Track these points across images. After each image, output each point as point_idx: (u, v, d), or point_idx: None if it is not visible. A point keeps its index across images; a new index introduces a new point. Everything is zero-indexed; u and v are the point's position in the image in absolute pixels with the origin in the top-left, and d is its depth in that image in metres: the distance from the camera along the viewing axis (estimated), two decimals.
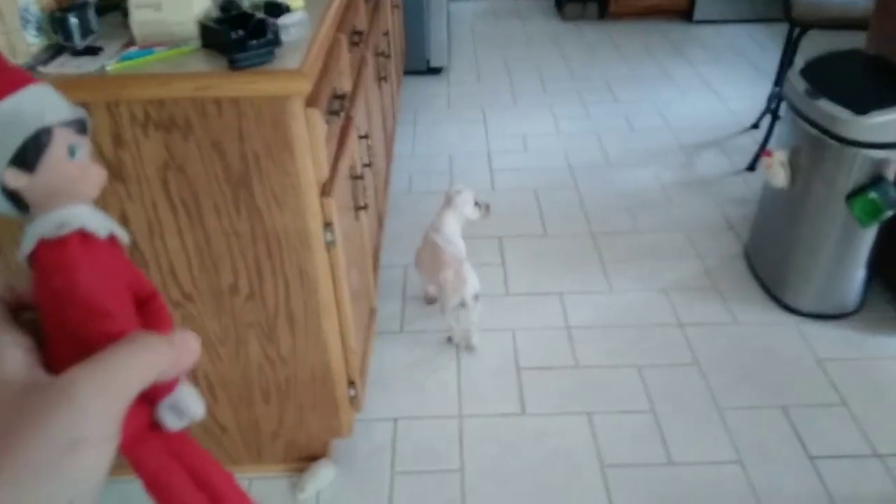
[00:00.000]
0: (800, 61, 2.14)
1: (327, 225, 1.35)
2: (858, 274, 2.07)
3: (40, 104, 0.31)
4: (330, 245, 1.36)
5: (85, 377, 0.27)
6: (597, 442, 1.76)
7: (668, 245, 2.49)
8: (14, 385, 0.27)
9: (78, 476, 0.26)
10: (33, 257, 0.31)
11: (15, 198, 0.31)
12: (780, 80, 2.96)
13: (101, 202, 1.25)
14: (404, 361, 2.02)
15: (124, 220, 1.30)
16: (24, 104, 0.31)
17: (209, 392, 1.55)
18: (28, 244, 0.31)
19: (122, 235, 0.34)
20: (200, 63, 1.20)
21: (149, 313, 0.34)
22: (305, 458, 1.70)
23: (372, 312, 1.99)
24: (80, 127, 0.33)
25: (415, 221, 2.61)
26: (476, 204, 2.21)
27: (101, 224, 0.32)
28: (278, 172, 1.26)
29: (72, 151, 0.32)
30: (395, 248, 2.45)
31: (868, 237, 1.99)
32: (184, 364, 0.32)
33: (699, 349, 2.03)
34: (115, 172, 1.24)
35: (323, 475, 1.67)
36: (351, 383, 1.65)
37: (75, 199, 0.32)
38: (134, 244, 1.32)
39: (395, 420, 1.84)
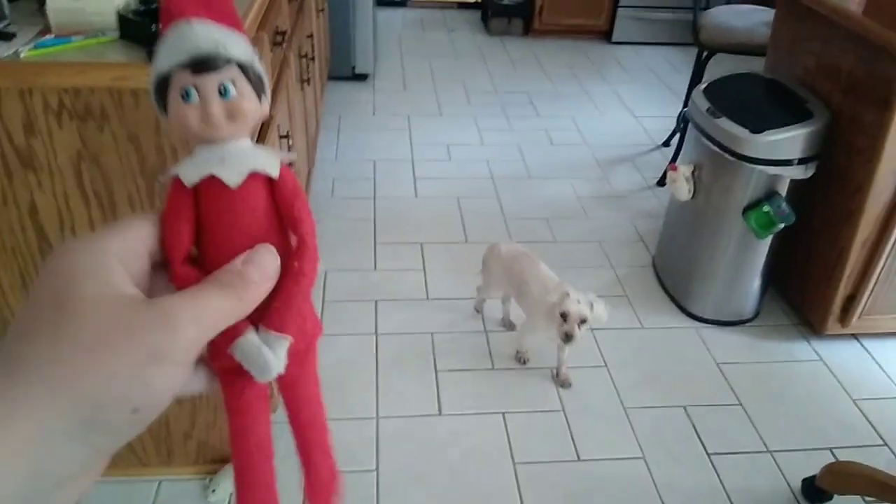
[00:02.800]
0: (704, 83, 2.28)
1: None
2: (754, 284, 2.22)
3: (163, 52, 0.33)
4: None
5: (182, 306, 0.30)
6: (510, 440, 1.81)
7: (584, 255, 2.59)
8: (125, 297, 0.29)
9: (152, 387, 0.29)
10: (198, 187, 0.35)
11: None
12: (688, 100, 3.13)
13: (11, 192, 1.21)
14: (322, 363, 2.01)
15: (34, 211, 1.26)
16: (157, 52, 0.33)
17: None
18: (191, 176, 0.34)
19: (231, 178, 0.34)
20: (118, 54, 1.19)
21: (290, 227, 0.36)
22: (218, 461, 1.68)
23: None
24: (199, 65, 0.33)
25: (336, 227, 2.63)
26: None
27: (196, 172, 0.34)
28: None
29: (186, 94, 0.33)
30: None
31: (763, 249, 2.14)
32: (254, 298, 0.33)
33: (608, 352, 2.12)
34: (26, 161, 1.21)
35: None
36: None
37: (198, 139, 0.34)
38: (43, 235, 1.28)
39: None
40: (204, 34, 0.33)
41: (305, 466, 0.39)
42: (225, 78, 0.33)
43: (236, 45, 0.34)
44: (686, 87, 3.23)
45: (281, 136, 1.75)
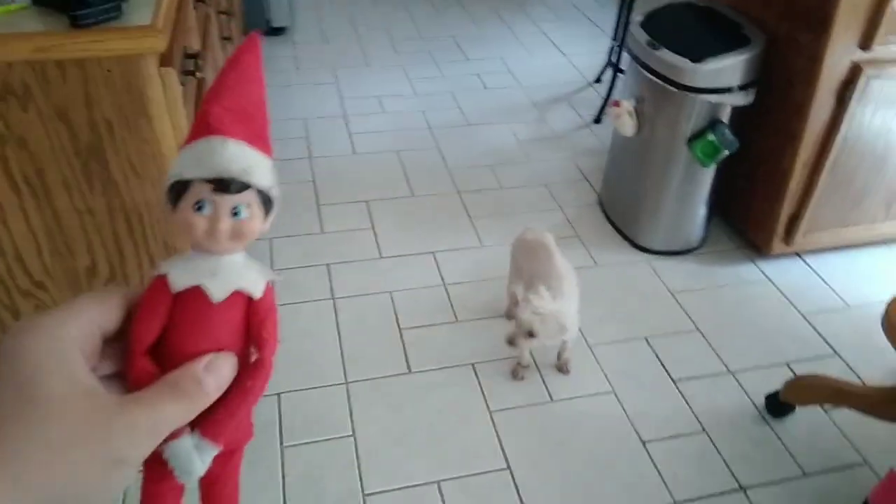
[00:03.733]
0: (638, 15, 2.26)
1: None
2: (700, 212, 2.26)
3: (190, 159, 0.34)
4: None
5: (142, 413, 0.31)
6: (483, 390, 1.81)
7: (531, 199, 2.58)
8: (90, 396, 0.30)
9: (110, 487, 0.30)
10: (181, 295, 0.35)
11: None
12: (616, 34, 3.12)
13: None
14: (283, 335, 1.95)
15: None
16: (183, 155, 0.35)
17: None
18: (178, 282, 0.35)
19: (216, 293, 0.35)
20: (35, 22, 1.06)
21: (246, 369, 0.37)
22: None
23: None
24: (221, 186, 0.34)
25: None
26: None
27: (185, 278, 0.35)
28: (135, 140, 1.15)
29: (200, 206, 0.34)
30: None
31: (707, 177, 2.18)
32: (204, 402, 0.34)
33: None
34: None
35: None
36: None
37: (197, 246, 0.35)
38: None
39: (279, 395, 1.78)
40: (236, 157, 0.34)
41: None
42: (242, 201, 0.35)
43: (262, 172, 0.35)
44: (612, 21, 3.21)
45: None
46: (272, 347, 0.37)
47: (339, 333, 1.97)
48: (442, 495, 1.57)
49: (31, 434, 0.28)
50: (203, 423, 0.35)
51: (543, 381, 1.85)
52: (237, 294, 0.35)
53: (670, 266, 2.27)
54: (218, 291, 0.35)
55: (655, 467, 1.65)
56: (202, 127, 0.35)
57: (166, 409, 0.32)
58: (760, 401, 1.80)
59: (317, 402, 1.77)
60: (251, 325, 0.36)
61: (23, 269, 1.22)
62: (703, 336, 2.01)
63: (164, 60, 1.14)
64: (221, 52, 2.18)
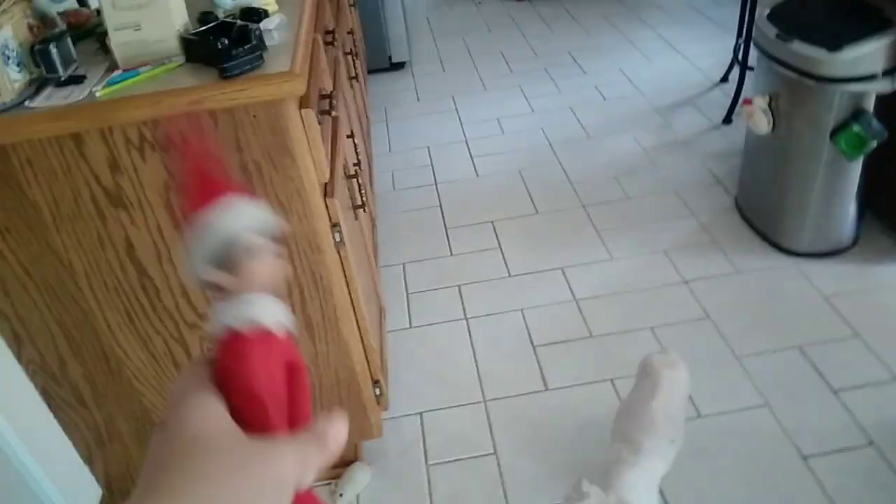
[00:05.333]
0: (765, 8, 2.16)
1: (335, 225, 1.34)
2: (850, 208, 2.10)
3: (247, 218, 0.36)
4: (339, 245, 1.35)
5: (292, 449, 0.34)
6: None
7: (661, 207, 2.50)
8: (233, 436, 0.33)
9: None
10: (222, 338, 0.36)
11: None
12: (742, 30, 2.99)
13: (106, 233, 1.22)
14: (420, 355, 2.01)
15: (130, 248, 1.27)
16: (222, 216, 0.36)
17: None
18: (218, 328, 0.36)
19: (290, 324, 0.38)
20: (189, 77, 1.18)
21: (295, 385, 0.38)
22: (339, 465, 1.69)
23: (382, 311, 1.98)
24: (268, 232, 0.37)
25: (404, 219, 2.61)
26: None
27: (278, 318, 0.37)
28: (281, 178, 1.24)
29: (255, 255, 0.36)
30: (390, 246, 2.44)
31: (855, 171, 2.02)
32: (331, 457, 0.36)
33: (707, 302, 2.05)
34: (116, 200, 1.22)
35: (359, 479, 1.66)
36: (375, 382, 1.64)
37: (259, 291, 0.37)
38: (143, 270, 1.29)
39: (421, 414, 1.83)
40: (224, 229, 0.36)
41: None
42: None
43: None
44: (734, 18, 3.08)
45: (347, 136, 1.73)
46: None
47: (474, 352, 2.00)
48: None
49: (204, 471, 0.30)
50: None
51: (690, 395, 1.78)
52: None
53: (820, 269, 2.12)
54: (286, 319, 0.38)
55: (819, 483, 1.53)
56: (220, 188, 0.37)
57: (306, 460, 0.34)
58: None
59: (457, 421, 1.80)
60: (293, 368, 0.39)
61: (189, 303, 1.35)
62: (864, 341, 1.85)
63: (303, 102, 1.23)
64: (350, 90, 2.30)
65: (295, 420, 0.37)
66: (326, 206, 1.32)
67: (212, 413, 0.33)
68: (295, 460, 0.33)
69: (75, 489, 1.54)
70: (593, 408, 1.78)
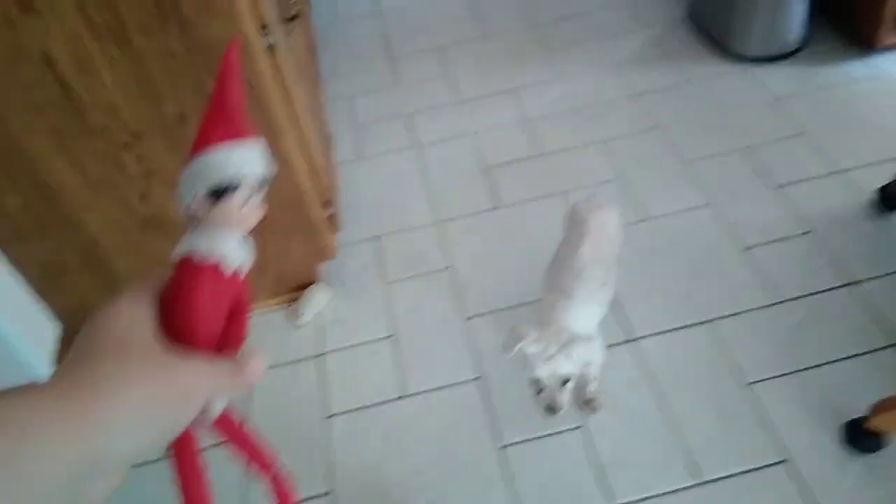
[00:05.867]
0: None
1: (264, 27, 1.26)
2: (799, 9, 2.06)
3: (247, 161, 0.39)
4: (272, 48, 1.28)
5: (200, 373, 0.36)
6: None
7: (614, 22, 2.43)
8: (154, 345, 0.35)
9: (178, 420, 0.35)
10: (180, 262, 0.38)
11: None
12: None
13: (23, 46, 1.14)
14: (374, 184, 2.00)
15: (49, 62, 1.19)
16: (234, 155, 0.38)
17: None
18: (180, 250, 0.38)
19: (247, 264, 0.40)
20: None
21: (234, 324, 0.40)
22: (297, 288, 1.71)
23: (329, 139, 1.93)
24: (262, 183, 0.39)
25: (349, 49, 2.50)
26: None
27: (236, 259, 0.39)
28: None
29: (245, 203, 0.38)
30: (336, 79, 2.36)
31: None
32: (243, 387, 0.38)
33: (659, 113, 2.05)
34: (26, 6, 1.12)
35: (319, 298, 1.69)
36: (326, 203, 1.63)
37: (229, 231, 0.39)
38: (66, 86, 1.22)
39: (378, 237, 1.84)
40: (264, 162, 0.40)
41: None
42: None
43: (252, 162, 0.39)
44: None
45: None
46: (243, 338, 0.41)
47: (426, 177, 1.99)
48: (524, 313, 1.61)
49: (127, 371, 0.33)
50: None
51: (637, 200, 1.81)
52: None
53: (770, 72, 2.11)
54: (247, 259, 0.40)
55: (760, 271, 1.61)
56: (236, 129, 0.39)
57: (224, 376, 0.37)
58: (874, 197, 1.69)
59: (413, 243, 1.82)
60: (238, 304, 0.40)
61: (119, 120, 1.28)
62: (809, 139, 1.88)
63: None
64: None
65: (223, 355, 0.39)
66: (255, 7, 1.24)
67: (140, 321, 0.35)
68: (207, 378, 0.36)
69: (32, 326, 1.54)
70: (545, 220, 1.80)
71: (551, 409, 1.18)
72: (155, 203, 1.44)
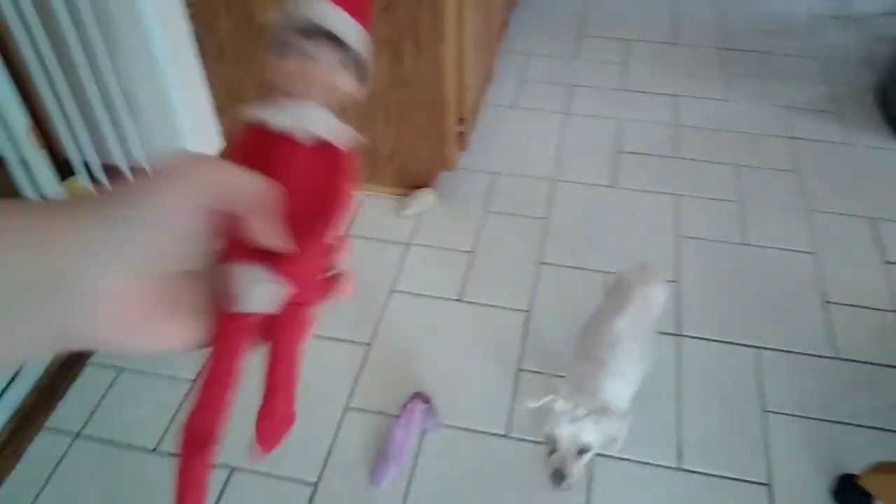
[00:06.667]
0: None
1: None
2: None
3: (349, 27, 0.35)
4: None
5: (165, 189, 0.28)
6: (676, 217, 1.88)
7: (799, 69, 2.43)
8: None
9: (162, 216, 0.27)
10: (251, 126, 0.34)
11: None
12: None
13: None
14: (513, 130, 2.18)
15: None
16: (340, 14, 0.35)
17: (352, 106, 1.77)
18: (255, 114, 0.34)
19: (338, 138, 0.35)
20: None
21: (321, 205, 0.34)
22: (413, 186, 1.93)
23: (488, 75, 2.13)
24: (356, 60, 0.36)
25: (541, 20, 2.67)
26: None
27: (322, 128, 0.34)
28: None
29: (308, 53, 0.35)
30: (522, 33, 2.55)
31: None
32: (259, 210, 0.30)
33: (803, 160, 2.06)
34: None
35: (426, 200, 1.90)
36: (461, 120, 1.83)
37: (315, 93, 0.35)
38: None
39: (496, 174, 2.02)
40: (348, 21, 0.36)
41: (264, 401, 0.32)
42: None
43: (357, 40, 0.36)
44: None
45: None
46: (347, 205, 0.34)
47: (561, 140, 2.14)
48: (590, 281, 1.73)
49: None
50: (274, 261, 0.31)
51: (743, 224, 1.86)
52: (325, 143, 0.34)
53: None
54: (316, 134, 0.34)
55: (829, 325, 1.62)
56: (352, 6, 0.36)
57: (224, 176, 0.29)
58: None
59: (525, 188, 1.98)
60: (329, 186, 0.34)
61: None
62: None
63: None
64: None
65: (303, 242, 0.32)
66: None
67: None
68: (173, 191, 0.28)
69: (204, 135, 1.88)
70: (646, 211, 1.91)
71: (559, 475, 1.10)
72: None
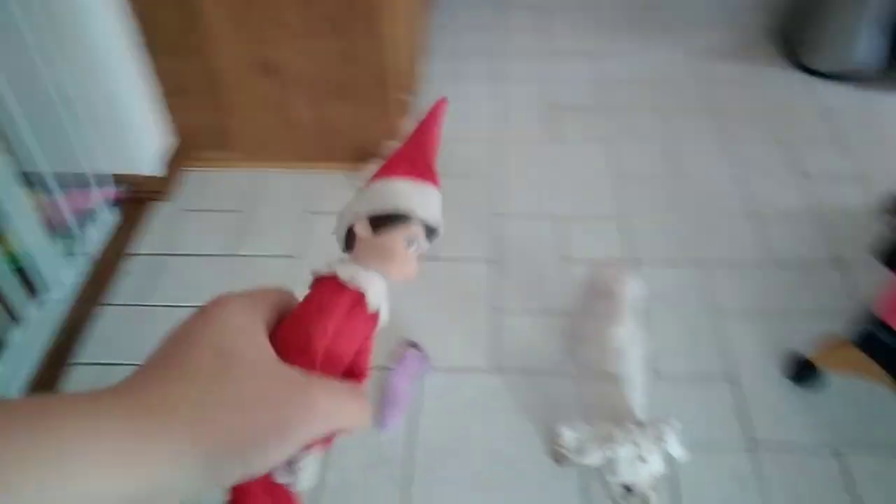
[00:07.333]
0: None
1: None
2: (870, 36, 2.18)
3: (422, 201, 0.37)
4: None
5: (325, 396, 0.30)
6: (612, 160, 2.03)
7: (706, 17, 2.67)
8: (276, 364, 0.30)
9: (269, 457, 0.28)
10: (317, 279, 0.35)
11: (349, 239, 0.37)
12: None
13: None
14: (450, 97, 2.25)
15: None
16: (414, 192, 0.37)
17: (292, 85, 1.81)
18: (323, 269, 0.35)
19: (385, 318, 0.36)
20: None
21: (353, 365, 0.36)
22: (363, 159, 1.98)
23: (424, 48, 2.21)
24: (431, 234, 0.37)
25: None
26: None
27: (377, 300, 0.35)
28: None
29: (409, 242, 0.36)
30: (447, 14, 2.65)
31: None
32: (353, 428, 0.32)
33: (716, 97, 2.26)
34: None
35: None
36: (403, 87, 1.90)
37: (382, 274, 0.36)
38: None
39: (443, 140, 2.10)
40: (439, 211, 0.38)
41: None
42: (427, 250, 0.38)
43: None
44: None
45: None
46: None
47: (495, 104, 2.25)
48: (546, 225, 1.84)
49: (222, 390, 0.28)
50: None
51: (676, 158, 2.01)
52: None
53: (830, 87, 2.29)
54: (385, 317, 0.36)
55: (761, 235, 1.79)
56: (423, 170, 0.38)
57: (344, 405, 0.31)
58: (884, 201, 1.85)
59: (470, 149, 2.08)
60: (362, 352, 0.36)
61: None
62: (845, 147, 2.05)
63: None
64: None
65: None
66: None
67: (255, 337, 0.30)
68: (328, 398, 0.30)
69: (150, 131, 1.87)
70: (587, 157, 2.04)
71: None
72: (279, 51, 1.74)
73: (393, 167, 0.38)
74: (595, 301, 1.35)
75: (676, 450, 1.07)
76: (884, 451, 1.39)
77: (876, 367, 1.28)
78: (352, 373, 0.35)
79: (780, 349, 1.54)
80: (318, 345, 0.32)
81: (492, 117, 2.20)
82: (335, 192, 1.94)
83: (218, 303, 0.30)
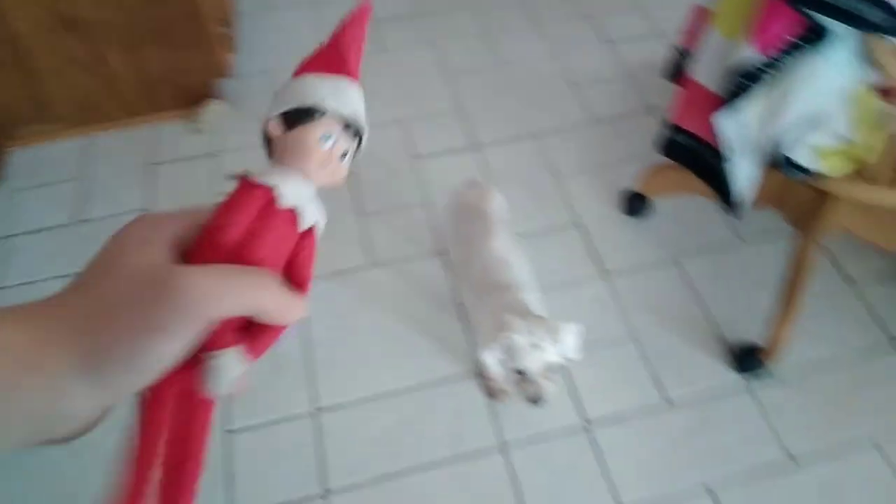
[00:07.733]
0: None
1: None
2: None
3: (334, 93, 0.35)
4: None
5: (189, 280, 0.29)
6: (438, 61, 2.12)
7: None
8: (152, 267, 0.29)
9: (147, 354, 0.28)
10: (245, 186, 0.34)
11: (268, 143, 0.36)
12: None
13: None
14: (271, 28, 2.26)
15: None
16: (324, 85, 0.36)
17: (100, 38, 1.74)
18: (237, 170, 0.34)
19: (321, 225, 0.35)
20: None
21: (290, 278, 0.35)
22: (195, 103, 1.95)
23: None
24: (350, 130, 0.36)
25: None
26: None
27: (294, 198, 0.34)
28: None
29: (325, 138, 0.35)
30: None
31: None
32: (281, 320, 0.32)
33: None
34: None
35: (214, 110, 1.94)
36: (221, 21, 1.88)
37: (304, 175, 0.35)
38: None
39: (273, 70, 2.10)
40: (362, 107, 0.37)
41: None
42: (351, 147, 0.37)
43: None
44: None
45: None
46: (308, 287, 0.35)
47: (322, 33, 2.27)
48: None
49: (95, 297, 0.29)
50: (247, 341, 0.32)
51: (497, 45, 2.14)
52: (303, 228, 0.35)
53: None
54: (308, 220, 0.34)
55: (582, 102, 1.97)
56: (338, 65, 0.36)
57: (233, 287, 0.30)
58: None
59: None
60: (298, 260, 0.35)
61: None
62: (643, 11, 2.26)
63: None
64: None
65: None
66: None
67: (148, 245, 0.30)
68: (200, 284, 0.29)
69: None
70: (414, 64, 2.12)
71: (537, 399, 1.12)
72: (76, 4, 1.66)
73: (307, 65, 0.37)
74: (466, 223, 1.40)
75: (572, 351, 1.12)
76: (710, 250, 1.62)
77: (689, 180, 1.47)
78: (291, 283, 0.34)
79: (614, 191, 1.73)
80: (221, 241, 0.32)
81: (314, 42, 2.20)
82: (175, 139, 1.91)
83: (129, 222, 0.31)
